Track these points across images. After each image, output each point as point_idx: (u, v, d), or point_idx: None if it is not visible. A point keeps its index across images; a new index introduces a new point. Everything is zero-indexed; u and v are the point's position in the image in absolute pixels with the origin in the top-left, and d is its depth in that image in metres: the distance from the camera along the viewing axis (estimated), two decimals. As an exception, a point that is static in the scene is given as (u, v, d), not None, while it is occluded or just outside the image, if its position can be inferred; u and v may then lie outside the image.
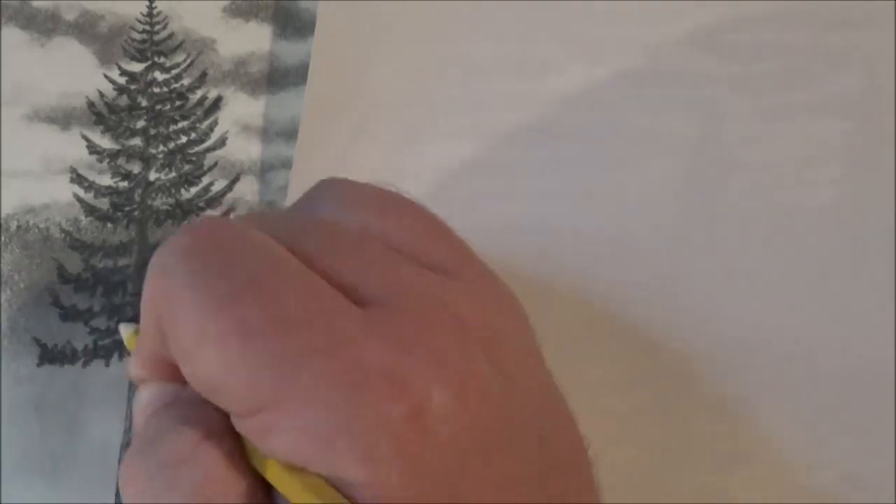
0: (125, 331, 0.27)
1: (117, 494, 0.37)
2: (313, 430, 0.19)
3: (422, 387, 0.20)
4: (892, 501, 0.33)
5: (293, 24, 0.40)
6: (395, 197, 0.25)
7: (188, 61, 0.40)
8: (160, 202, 0.39)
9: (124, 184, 0.39)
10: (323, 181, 0.26)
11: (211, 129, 0.40)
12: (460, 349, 0.21)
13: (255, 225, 0.24)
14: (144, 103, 0.40)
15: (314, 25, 0.40)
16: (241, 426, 0.21)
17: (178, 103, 0.40)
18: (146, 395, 0.24)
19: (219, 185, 0.39)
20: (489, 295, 0.23)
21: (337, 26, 0.39)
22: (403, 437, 0.19)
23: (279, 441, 0.20)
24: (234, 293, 0.20)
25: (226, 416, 0.22)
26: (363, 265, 0.22)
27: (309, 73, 0.39)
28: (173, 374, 0.23)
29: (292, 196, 0.38)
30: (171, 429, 0.22)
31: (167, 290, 0.21)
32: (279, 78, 0.40)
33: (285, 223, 0.24)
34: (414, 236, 0.24)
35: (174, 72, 0.40)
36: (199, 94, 0.40)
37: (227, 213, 0.39)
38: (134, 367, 0.24)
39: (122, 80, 0.40)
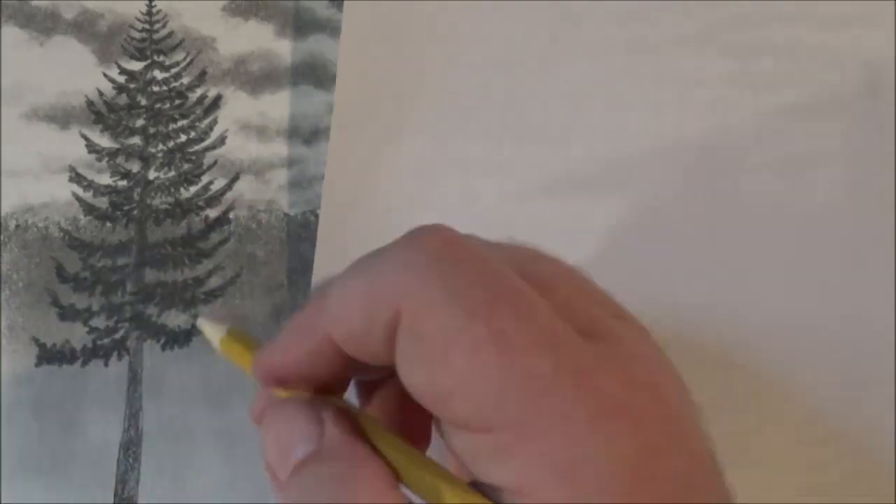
0: (212, 333, 0.26)
1: (116, 494, 0.37)
2: (558, 459, 0.19)
3: (650, 424, 0.20)
4: (893, 501, 0.33)
5: (293, 22, 0.40)
6: (558, 258, 0.25)
7: (188, 60, 0.40)
8: (159, 201, 0.39)
9: (123, 183, 0.39)
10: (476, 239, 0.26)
11: (210, 127, 0.40)
12: (668, 384, 0.21)
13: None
14: (144, 102, 0.40)
15: (314, 25, 0.40)
16: (461, 440, 0.21)
17: (177, 102, 0.40)
18: (281, 429, 0.23)
19: (218, 184, 0.39)
20: (653, 342, 0.24)
21: (364, 27, 0.39)
22: (638, 470, 0.19)
23: (517, 463, 0.19)
24: (493, 304, 0.20)
25: (372, 449, 0.21)
26: (582, 304, 0.22)
27: (337, 74, 0.39)
28: (327, 370, 0.23)
29: (325, 197, 0.38)
30: (330, 495, 0.21)
31: (418, 286, 0.20)
32: (279, 76, 0.40)
33: (500, 249, 0.24)
34: (593, 289, 0.24)
35: (174, 70, 0.40)
36: (198, 92, 0.40)
37: (225, 213, 0.39)
38: (275, 357, 0.23)
39: (121, 79, 0.40)
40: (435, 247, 0.21)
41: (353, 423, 0.22)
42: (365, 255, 0.22)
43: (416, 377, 0.21)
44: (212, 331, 0.26)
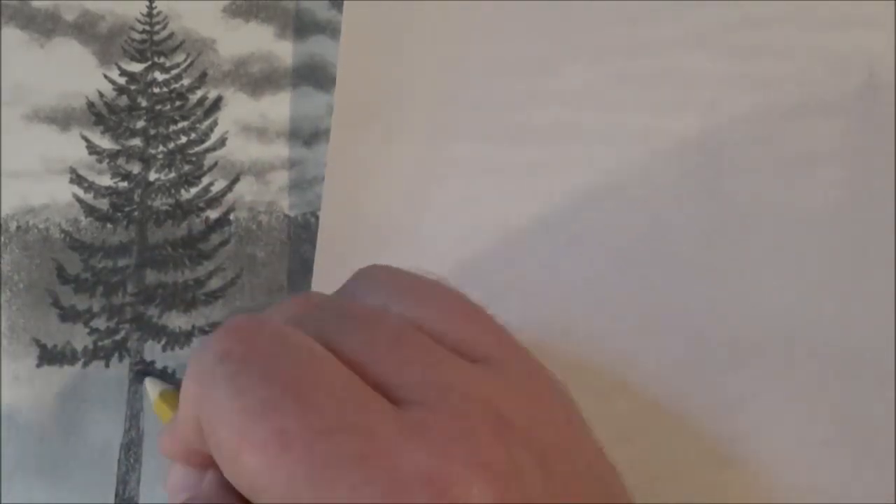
0: (152, 390, 0.28)
1: (117, 495, 0.37)
2: None
3: (462, 490, 0.19)
4: (893, 502, 0.33)
5: (293, 24, 0.40)
6: (434, 284, 0.25)
7: (188, 61, 0.40)
8: (160, 202, 0.39)
9: (124, 184, 0.39)
10: (362, 270, 0.26)
11: (211, 129, 0.40)
12: (503, 447, 0.21)
13: (297, 316, 0.24)
14: (144, 103, 0.40)
15: (315, 26, 0.40)
16: None
17: (177, 103, 0.40)
18: (176, 479, 0.25)
19: (219, 186, 0.39)
20: (532, 385, 0.23)
21: (363, 28, 0.39)
22: None
23: None
24: (273, 401, 0.20)
25: None
26: (402, 362, 0.22)
27: (337, 76, 0.39)
28: (204, 462, 0.24)
29: (325, 198, 0.38)
30: None
31: (206, 395, 0.21)
32: (279, 78, 0.40)
33: (325, 316, 0.24)
34: (455, 325, 0.24)
35: (174, 72, 0.40)
36: (199, 94, 0.40)
37: (226, 215, 0.39)
38: (166, 445, 0.25)
39: (121, 81, 0.40)
40: (220, 349, 0.22)
41: (226, 487, 0.23)
42: None
43: (225, 474, 0.22)
44: (151, 390, 0.29)
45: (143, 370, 0.38)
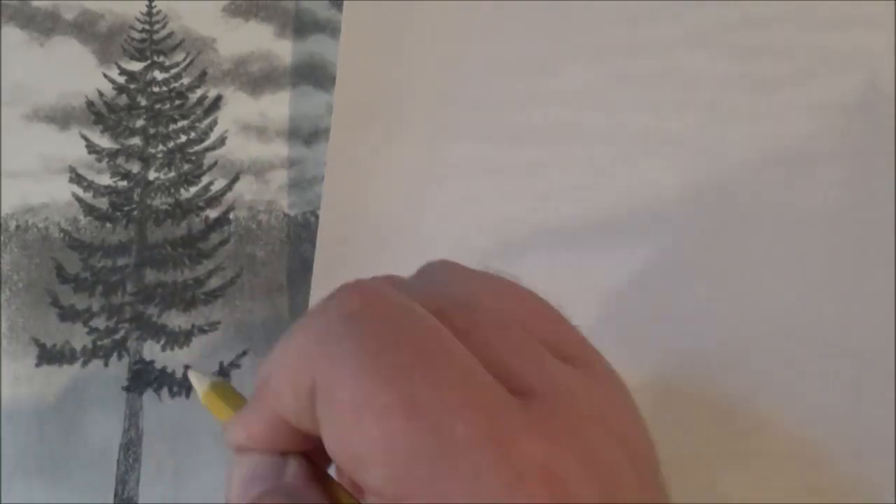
0: (200, 382, 0.26)
1: (116, 494, 0.37)
2: None
3: (577, 488, 0.19)
4: (893, 501, 0.33)
5: (293, 23, 0.40)
6: (515, 284, 0.25)
7: (188, 60, 0.40)
8: (159, 201, 0.39)
9: (123, 183, 0.39)
10: (432, 263, 0.25)
11: (210, 128, 0.40)
12: (609, 445, 0.20)
13: (411, 288, 0.23)
14: (144, 102, 0.40)
15: (314, 25, 0.40)
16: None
17: (177, 102, 0.40)
18: (246, 470, 0.23)
19: (218, 185, 0.39)
20: (616, 387, 0.23)
21: (363, 28, 0.39)
22: None
23: None
24: (404, 367, 0.20)
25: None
26: (515, 352, 0.22)
27: (337, 75, 0.39)
28: (293, 444, 0.23)
29: (325, 197, 0.38)
30: None
31: (328, 354, 0.20)
32: (279, 77, 0.40)
33: (439, 294, 0.23)
34: (546, 325, 0.23)
35: (174, 71, 0.40)
36: (198, 93, 0.40)
37: (225, 214, 0.39)
38: (239, 430, 0.23)
39: (121, 80, 0.40)
40: (347, 309, 0.21)
41: (317, 478, 0.23)
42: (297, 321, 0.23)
43: (333, 445, 0.21)
44: (198, 383, 0.27)
45: (141, 370, 0.38)
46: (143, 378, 0.38)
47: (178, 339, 0.38)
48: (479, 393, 0.20)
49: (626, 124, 0.37)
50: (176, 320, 0.38)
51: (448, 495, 0.19)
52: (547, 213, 0.37)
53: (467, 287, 0.23)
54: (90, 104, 0.39)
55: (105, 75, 0.39)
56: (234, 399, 0.26)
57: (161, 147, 0.39)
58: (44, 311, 0.38)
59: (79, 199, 0.39)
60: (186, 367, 0.37)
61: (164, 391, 0.38)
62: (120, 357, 0.38)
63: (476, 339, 0.21)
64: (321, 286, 0.37)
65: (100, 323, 0.38)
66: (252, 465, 0.23)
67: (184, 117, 0.40)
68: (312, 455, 0.23)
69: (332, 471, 0.23)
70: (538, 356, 0.22)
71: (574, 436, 0.20)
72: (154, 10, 0.40)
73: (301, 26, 0.40)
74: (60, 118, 0.39)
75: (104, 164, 0.39)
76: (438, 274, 0.25)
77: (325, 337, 0.21)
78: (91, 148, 0.39)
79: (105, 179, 0.39)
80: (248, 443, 0.23)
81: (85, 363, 0.38)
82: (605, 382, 0.23)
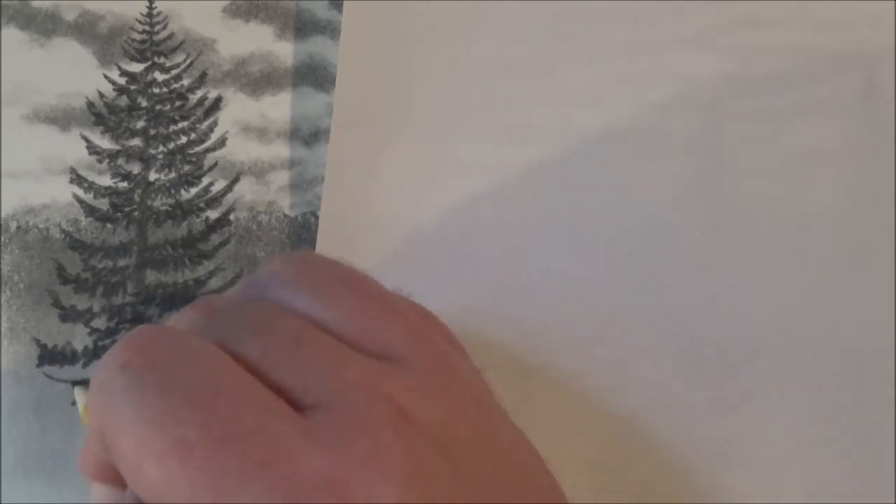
0: (80, 399, 0.27)
1: (117, 495, 0.37)
2: None
3: (361, 491, 0.19)
4: (893, 501, 0.33)
5: (293, 24, 0.40)
6: (348, 278, 0.25)
7: (188, 61, 0.40)
8: (160, 203, 0.39)
9: (124, 184, 0.39)
10: (276, 258, 0.26)
11: (211, 129, 0.40)
12: (405, 444, 0.21)
13: (199, 322, 0.24)
14: (144, 104, 0.40)
15: (315, 26, 0.40)
16: None
17: (177, 103, 0.40)
18: (96, 498, 0.25)
19: (219, 186, 0.39)
20: (442, 380, 0.23)
21: (363, 28, 0.39)
22: None
23: None
24: (173, 411, 0.20)
25: None
26: (301, 365, 0.22)
27: (337, 76, 0.39)
28: (119, 478, 0.23)
29: (325, 202, 0.38)
30: None
31: (107, 406, 0.21)
32: (279, 78, 0.40)
33: (225, 322, 0.24)
34: (362, 323, 0.24)
35: (174, 72, 0.40)
36: (199, 94, 0.40)
37: (226, 215, 0.39)
38: (80, 461, 0.25)
39: (121, 81, 0.40)
40: (121, 358, 0.22)
41: None
42: None
43: (134, 490, 0.21)
44: (80, 397, 0.28)
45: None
46: None
47: (179, 339, 0.38)
48: (254, 418, 0.20)
49: (625, 124, 0.37)
50: (176, 321, 0.38)
51: None
52: (547, 213, 0.37)
53: (286, 292, 0.24)
54: (91, 105, 0.39)
55: (105, 76, 0.39)
56: None
57: (161, 148, 0.39)
58: (45, 312, 0.38)
59: (79, 200, 0.39)
60: (74, 384, 0.37)
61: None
62: (121, 358, 0.38)
63: (267, 363, 0.22)
64: (321, 286, 0.37)
65: (101, 323, 0.38)
66: (97, 493, 0.25)
67: (184, 118, 0.40)
68: None
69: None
70: (334, 364, 0.22)
71: (358, 440, 0.20)
72: (154, 11, 0.40)
73: (301, 27, 0.40)
74: (61, 119, 0.39)
75: (105, 165, 0.39)
76: (270, 277, 0.25)
77: (103, 390, 0.22)
78: (92, 149, 0.39)
79: (106, 180, 0.39)
80: (86, 473, 0.25)
81: (86, 364, 0.38)
82: (426, 377, 0.23)
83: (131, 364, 0.22)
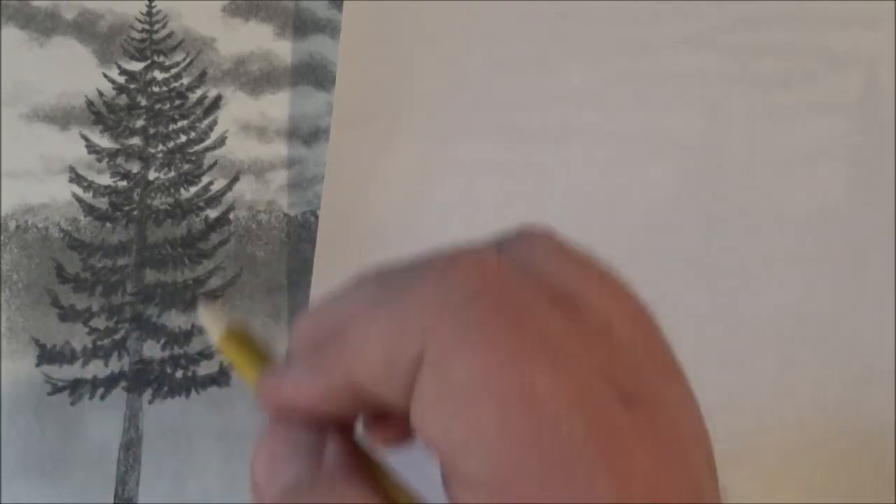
0: (214, 323, 0.23)
1: (116, 495, 0.37)
2: None
3: (676, 495, 0.19)
4: (893, 502, 0.33)
5: (293, 23, 0.40)
6: (611, 272, 0.23)
7: (188, 60, 0.40)
8: (159, 201, 0.39)
9: (123, 183, 0.39)
10: (532, 234, 0.23)
11: (210, 128, 0.40)
12: (695, 454, 0.20)
13: (522, 274, 0.21)
14: (144, 102, 0.40)
15: (314, 25, 0.40)
16: (470, 496, 0.19)
17: (177, 102, 0.40)
18: (277, 447, 0.21)
19: (218, 185, 0.39)
20: (692, 396, 0.22)
21: (363, 28, 0.39)
22: None
23: None
24: (529, 351, 0.18)
25: (370, 490, 0.20)
26: (617, 356, 0.20)
27: (337, 75, 0.39)
28: (344, 408, 0.21)
29: (325, 197, 0.38)
30: None
31: (450, 327, 0.19)
32: (279, 77, 0.40)
33: (550, 280, 0.21)
34: (656, 341, 0.22)
35: (174, 71, 0.40)
36: (198, 93, 0.40)
37: (225, 214, 0.39)
38: (286, 389, 0.21)
39: (121, 80, 0.40)
40: (471, 283, 0.19)
41: (355, 460, 0.21)
42: (386, 277, 0.21)
43: (431, 423, 0.19)
44: (212, 325, 0.23)
45: (141, 370, 0.38)
46: (143, 378, 0.38)
47: (178, 339, 0.38)
48: (595, 393, 0.19)
49: (626, 124, 0.37)
50: (176, 320, 0.38)
51: (557, 497, 0.18)
52: (547, 213, 0.37)
53: (574, 277, 0.22)
54: (90, 104, 0.39)
55: (105, 75, 0.39)
56: (255, 348, 0.23)
57: (161, 147, 0.39)
58: (44, 311, 0.38)
59: (79, 199, 0.39)
60: (198, 300, 0.36)
61: (165, 391, 0.38)
62: (120, 357, 0.38)
63: (600, 336, 0.20)
64: (321, 286, 0.37)
65: (100, 323, 0.38)
66: (284, 440, 0.21)
67: (184, 117, 0.40)
68: (348, 430, 0.21)
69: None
70: (637, 362, 0.20)
71: (676, 453, 0.19)
72: (154, 10, 0.40)
73: (301, 26, 0.40)
74: (60, 118, 0.39)
75: (104, 164, 0.39)
76: (542, 252, 0.22)
77: (443, 308, 0.19)
78: (91, 148, 0.39)
79: (105, 179, 0.39)
80: (292, 405, 0.21)
81: (85, 363, 0.38)
82: (689, 401, 0.21)
83: (481, 291, 0.19)
